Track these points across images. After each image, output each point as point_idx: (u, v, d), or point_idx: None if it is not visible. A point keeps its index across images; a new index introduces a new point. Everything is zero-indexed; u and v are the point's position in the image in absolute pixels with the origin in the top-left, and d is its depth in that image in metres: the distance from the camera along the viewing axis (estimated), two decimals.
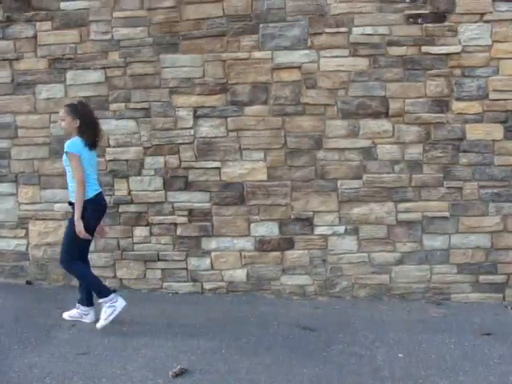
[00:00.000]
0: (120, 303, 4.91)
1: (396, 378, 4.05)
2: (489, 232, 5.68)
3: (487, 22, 5.51)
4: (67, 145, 4.83)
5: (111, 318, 4.87)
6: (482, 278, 5.74)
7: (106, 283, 6.02)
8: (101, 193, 5.07)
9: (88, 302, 5.16)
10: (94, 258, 6.00)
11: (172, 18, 5.76)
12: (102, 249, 6.05)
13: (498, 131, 5.58)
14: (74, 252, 4.96)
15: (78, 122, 4.87)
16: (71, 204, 4.93)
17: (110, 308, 4.88)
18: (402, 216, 5.74)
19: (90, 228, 4.90)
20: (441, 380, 4.03)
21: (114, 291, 5.13)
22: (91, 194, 4.90)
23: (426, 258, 5.76)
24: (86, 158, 4.86)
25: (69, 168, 4.88)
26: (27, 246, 6.19)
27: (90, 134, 4.93)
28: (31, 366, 4.24)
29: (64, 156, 4.89)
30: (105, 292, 4.94)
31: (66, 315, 5.19)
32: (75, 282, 6.03)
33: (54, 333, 4.92)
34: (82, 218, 4.77)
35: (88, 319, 5.11)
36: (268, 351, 4.56)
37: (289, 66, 5.69)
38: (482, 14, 5.50)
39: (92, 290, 5.08)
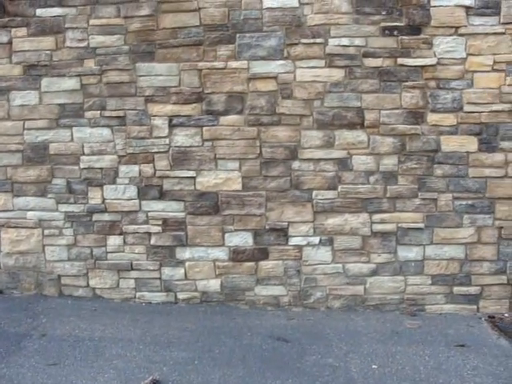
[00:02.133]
0: None
1: None
2: (463, 243, 5.71)
3: (462, 35, 5.55)
4: None
5: None
6: (456, 289, 5.76)
7: (79, 292, 6.01)
8: None
9: None
10: (67, 266, 5.98)
11: (148, 27, 5.73)
12: (75, 257, 5.98)
13: (472, 143, 5.62)
14: None
15: None
16: None
17: None
18: (377, 227, 5.75)
19: None
20: None
21: None
22: None
23: (400, 269, 5.77)
24: None
25: None
26: None
27: None
28: None
29: None
30: None
31: None
32: (47, 291, 6.01)
33: (24, 343, 4.86)
34: None
35: None
36: (241, 362, 4.54)
37: (265, 76, 5.69)
38: (457, 28, 5.54)
39: None
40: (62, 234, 5.98)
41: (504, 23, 5.53)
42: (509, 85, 5.58)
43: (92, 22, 5.77)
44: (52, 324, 5.31)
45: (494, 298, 5.77)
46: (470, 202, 5.67)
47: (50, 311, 5.63)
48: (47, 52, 5.84)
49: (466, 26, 5.54)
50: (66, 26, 5.80)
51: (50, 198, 5.95)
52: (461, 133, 5.63)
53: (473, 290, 5.75)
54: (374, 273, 5.80)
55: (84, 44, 5.80)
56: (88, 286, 6.03)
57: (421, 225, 5.72)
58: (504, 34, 5.54)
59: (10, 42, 5.87)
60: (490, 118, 5.59)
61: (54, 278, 6.04)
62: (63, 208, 5.94)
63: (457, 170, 5.66)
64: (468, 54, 5.55)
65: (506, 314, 5.71)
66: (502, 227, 5.70)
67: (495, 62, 5.56)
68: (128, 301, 5.94)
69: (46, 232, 5.99)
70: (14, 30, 5.85)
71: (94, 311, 5.67)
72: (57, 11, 5.79)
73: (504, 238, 5.71)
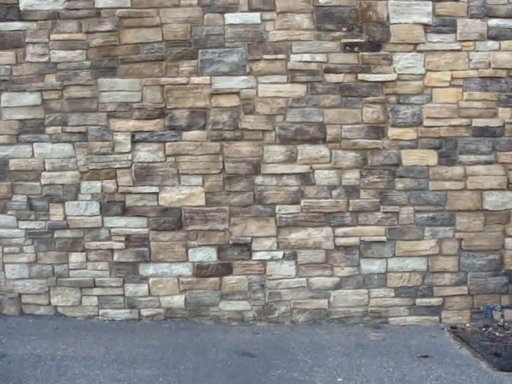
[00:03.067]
0: None
1: None
2: (425, 255, 5.79)
3: (420, 51, 5.67)
4: None
5: None
6: (418, 301, 5.83)
7: (41, 311, 5.90)
8: None
9: None
10: (28, 284, 5.87)
11: (110, 42, 5.71)
12: (36, 275, 5.88)
13: (432, 157, 5.72)
14: None
15: None
16: None
17: None
18: (340, 241, 5.79)
19: None
20: None
21: None
22: None
23: (363, 282, 5.82)
24: None
25: None
26: None
27: None
28: None
29: None
30: None
31: None
32: (7, 310, 5.90)
33: None
34: None
35: None
36: (207, 378, 4.51)
37: (227, 92, 5.71)
38: (416, 44, 5.66)
39: None
40: (23, 252, 5.87)
41: (460, 40, 5.69)
42: (466, 100, 5.72)
43: (53, 36, 5.72)
44: (12, 344, 5.20)
45: (455, 308, 5.86)
46: (430, 214, 5.77)
47: (10, 331, 5.52)
48: (7, 67, 5.76)
49: (424, 43, 5.67)
50: (27, 40, 5.73)
51: (10, 214, 5.85)
52: (421, 147, 5.73)
53: (435, 301, 5.83)
54: (337, 286, 5.83)
55: (45, 59, 5.75)
56: (50, 304, 5.93)
57: (383, 238, 5.79)
58: (460, 50, 5.69)
59: None
60: (449, 132, 5.71)
61: (14, 296, 5.92)
62: (24, 225, 5.84)
63: (417, 183, 5.75)
64: (427, 70, 5.68)
65: (468, 324, 5.80)
66: (462, 239, 5.80)
67: (453, 78, 5.69)
68: (91, 318, 5.85)
69: (6, 250, 5.88)
70: None
71: (55, 330, 5.58)
72: (17, 25, 5.72)
73: (464, 250, 5.81)
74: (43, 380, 4.45)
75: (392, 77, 5.67)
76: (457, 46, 5.68)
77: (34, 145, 5.78)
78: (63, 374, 4.55)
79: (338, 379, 4.50)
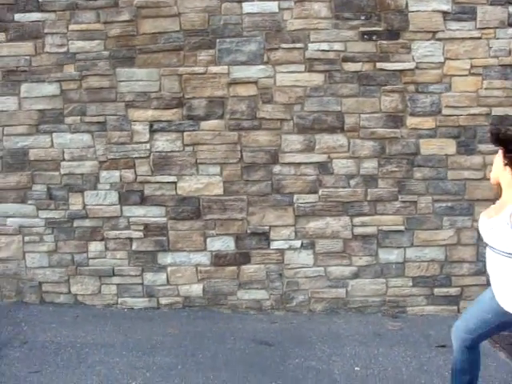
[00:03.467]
0: None
1: None
2: (443, 245, 5.77)
3: (439, 39, 5.61)
4: None
5: None
6: (436, 290, 5.82)
7: (61, 299, 5.97)
8: None
9: None
10: (48, 273, 5.95)
11: (128, 32, 5.72)
12: (56, 264, 5.95)
13: (450, 146, 5.68)
14: None
15: None
16: None
17: None
18: (358, 230, 5.78)
19: None
20: None
21: None
22: None
23: (381, 271, 5.81)
24: None
25: None
26: None
27: None
28: None
29: None
30: None
31: None
32: (28, 298, 5.96)
33: (6, 351, 4.82)
34: None
35: None
36: (224, 366, 4.54)
37: (245, 81, 5.71)
38: (435, 32, 5.61)
39: None
40: (43, 241, 5.94)
41: (480, 28, 5.60)
42: (486, 88, 5.65)
43: (71, 27, 5.75)
44: (33, 331, 5.28)
45: (473, 298, 5.79)
46: (449, 204, 5.74)
47: (31, 318, 5.60)
48: (26, 57, 5.80)
49: (443, 31, 5.61)
50: (46, 31, 5.77)
51: (31, 204, 5.91)
52: (439, 136, 5.69)
53: (453, 291, 5.82)
54: (355, 275, 5.83)
55: (64, 49, 5.78)
56: (69, 292, 6.00)
57: (401, 227, 5.77)
58: (480, 38, 5.61)
59: None
60: (468, 121, 5.66)
61: (34, 285, 5.99)
62: (44, 214, 5.90)
63: (436, 172, 5.72)
64: (446, 59, 5.62)
65: None
66: None
67: (472, 66, 5.63)
68: (110, 307, 5.91)
69: (27, 239, 5.95)
70: None
71: (75, 318, 5.65)
72: (36, 16, 5.76)
73: (482, 239, 5.77)
74: (64, 367, 4.51)
75: (410, 65, 5.63)
76: (476, 34, 5.61)
77: (54, 135, 5.83)
78: (83, 361, 4.61)
79: (356, 368, 4.51)
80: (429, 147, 5.70)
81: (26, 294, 6.00)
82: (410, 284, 5.82)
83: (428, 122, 5.68)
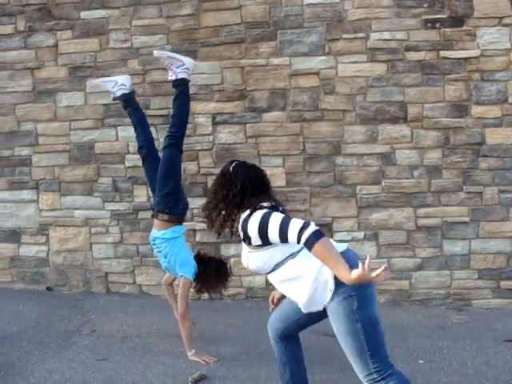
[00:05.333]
0: None
1: None
2: (509, 237, 5.63)
3: (506, 25, 5.47)
4: None
5: None
6: (503, 283, 5.68)
7: (126, 289, 6.09)
8: None
9: None
10: (113, 264, 6.09)
11: (190, 26, 5.79)
12: (121, 255, 6.09)
13: None
14: None
15: None
16: None
17: None
18: (422, 221, 5.71)
19: None
20: None
21: None
22: None
23: (446, 263, 5.72)
24: None
25: None
26: (48, 253, 6.23)
27: None
28: (51, 372, 4.27)
29: None
30: None
31: None
32: (95, 288, 6.11)
33: (74, 339, 4.96)
34: None
35: None
36: None
37: (307, 72, 5.70)
38: (501, 18, 5.47)
39: None
40: (109, 232, 6.08)
41: None
42: None
43: (135, 22, 5.86)
44: (100, 320, 5.41)
45: None
46: None
47: (98, 308, 5.75)
48: (91, 53, 5.95)
49: (510, 16, 5.46)
50: (110, 27, 5.91)
51: (97, 196, 6.06)
52: (506, 125, 5.55)
53: None
54: (419, 267, 5.76)
55: (127, 45, 5.90)
56: (135, 283, 6.13)
57: (466, 219, 5.66)
58: None
59: (55, 45, 6.01)
60: None
61: (101, 275, 6.15)
62: (109, 206, 6.05)
63: (502, 162, 5.58)
64: None
65: None
66: None
67: None
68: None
69: (93, 230, 6.10)
70: (59, 33, 6.00)
71: (141, 308, 5.76)
72: (100, 13, 5.90)
73: None
74: (130, 355, 4.59)
75: (475, 53, 5.50)
76: None
77: (118, 128, 5.97)
78: (148, 351, 4.68)
79: (420, 361, 4.45)
80: (494, 137, 5.56)
81: (92, 284, 6.16)
82: (476, 276, 5.71)
83: (494, 111, 5.54)
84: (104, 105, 5.95)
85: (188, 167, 5.88)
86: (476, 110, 5.56)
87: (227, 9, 5.74)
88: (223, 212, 3.21)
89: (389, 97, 5.64)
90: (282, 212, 3.03)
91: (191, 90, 5.76)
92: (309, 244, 2.75)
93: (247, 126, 5.79)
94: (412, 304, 5.77)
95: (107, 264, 6.13)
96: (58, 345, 4.81)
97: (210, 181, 5.73)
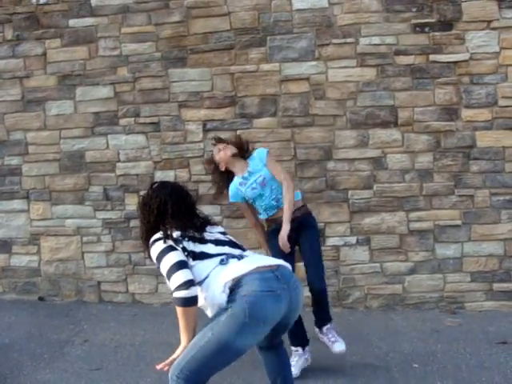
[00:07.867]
0: None
1: None
2: (501, 239, 5.64)
3: (494, 29, 5.49)
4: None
5: None
6: (496, 285, 5.69)
7: (119, 298, 6.06)
8: None
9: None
10: (106, 272, 6.06)
11: (180, 33, 5.79)
12: (113, 263, 6.06)
13: (508, 138, 5.55)
14: None
15: None
16: None
17: None
18: (414, 225, 5.71)
19: None
20: None
21: None
22: None
23: (438, 266, 5.72)
24: None
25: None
26: (39, 262, 6.19)
27: None
28: (44, 383, 4.25)
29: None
30: None
31: None
32: (88, 297, 6.08)
33: (67, 348, 4.93)
34: None
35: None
36: None
37: (297, 78, 5.70)
38: (489, 22, 5.49)
39: None
40: (101, 241, 6.06)
41: None
42: None
43: (124, 30, 5.85)
44: (93, 330, 5.38)
45: None
46: (507, 197, 5.60)
47: (90, 317, 5.71)
48: (81, 61, 5.93)
49: (498, 20, 5.49)
50: (99, 35, 5.89)
51: (88, 205, 6.04)
52: (496, 128, 5.56)
53: None
54: (412, 271, 5.76)
55: (116, 52, 5.88)
56: (127, 291, 6.10)
57: (458, 222, 5.67)
58: None
59: (44, 54, 5.99)
60: None
61: (93, 284, 6.12)
62: (101, 215, 6.02)
63: (493, 165, 5.60)
64: (501, 48, 5.50)
65: None
66: None
67: None
68: (167, 305, 5.95)
69: (85, 239, 6.07)
70: (47, 41, 5.98)
71: (133, 316, 5.73)
72: (89, 21, 5.89)
73: None
74: (123, 365, 4.57)
75: (465, 56, 5.52)
76: None
77: (109, 136, 5.94)
78: (142, 359, 4.66)
79: (414, 365, 4.45)
80: (485, 139, 5.58)
81: (85, 294, 6.13)
82: (469, 279, 5.71)
83: (484, 114, 5.56)
84: (94, 113, 5.93)
85: (179, 174, 5.87)
86: (466, 114, 5.57)
87: (216, 15, 5.74)
88: (145, 235, 3.30)
89: (379, 101, 5.64)
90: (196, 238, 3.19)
91: (182, 98, 5.79)
92: (174, 301, 3.01)
93: (238, 132, 5.77)
94: (405, 308, 5.76)
95: (99, 273, 6.10)
96: (51, 355, 4.78)
97: (202, 188, 5.83)
